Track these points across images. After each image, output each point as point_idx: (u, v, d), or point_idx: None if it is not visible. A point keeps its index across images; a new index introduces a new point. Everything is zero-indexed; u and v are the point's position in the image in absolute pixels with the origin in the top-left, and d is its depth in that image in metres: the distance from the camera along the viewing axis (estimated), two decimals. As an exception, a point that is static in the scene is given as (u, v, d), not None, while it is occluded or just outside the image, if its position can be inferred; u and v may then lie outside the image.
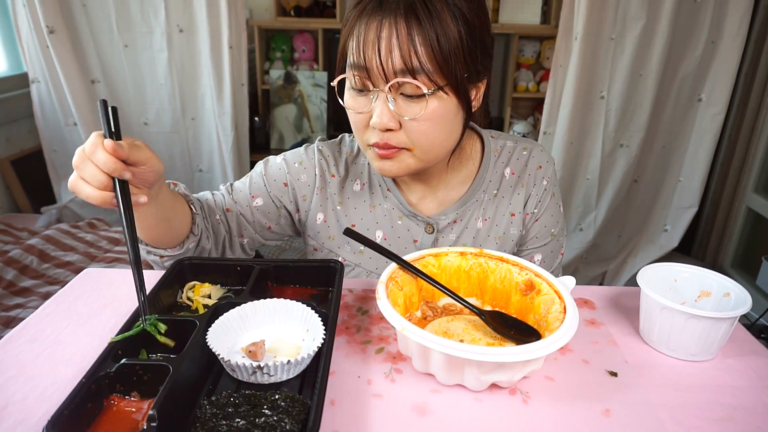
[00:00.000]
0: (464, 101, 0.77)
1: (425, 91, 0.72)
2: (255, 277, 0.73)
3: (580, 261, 2.61)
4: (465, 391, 0.61)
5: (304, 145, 0.98)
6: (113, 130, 0.64)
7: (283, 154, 0.97)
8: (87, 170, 0.62)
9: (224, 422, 0.51)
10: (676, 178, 2.47)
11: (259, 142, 2.89)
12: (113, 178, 0.63)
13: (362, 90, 0.76)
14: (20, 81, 2.44)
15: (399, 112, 0.75)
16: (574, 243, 2.58)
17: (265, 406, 0.52)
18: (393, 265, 0.71)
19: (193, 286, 0.75)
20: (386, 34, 0.71)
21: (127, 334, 0.60)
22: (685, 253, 2.71)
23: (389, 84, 0.73)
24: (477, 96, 0.81)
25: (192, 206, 0.85)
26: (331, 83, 0.80)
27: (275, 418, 0.51)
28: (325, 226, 0.95)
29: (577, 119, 2.33)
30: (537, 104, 2.95)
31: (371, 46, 0.72)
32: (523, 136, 2.85)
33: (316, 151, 0.95)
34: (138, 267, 0.63)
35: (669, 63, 2.25)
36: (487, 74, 0.81)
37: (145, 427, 0.47)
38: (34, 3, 2.19)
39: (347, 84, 0.79)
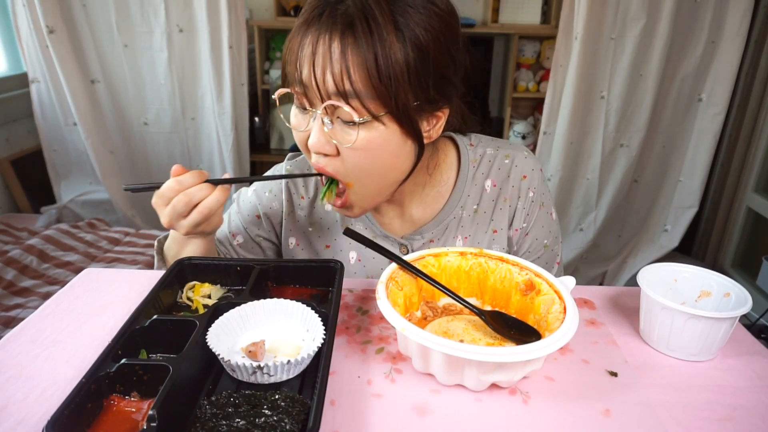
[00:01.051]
0: (411, 132, 0.69)
1: (356, 119, 0.65)
2: (255, 277, 0.73)
3: (580, 261, 2.61)
4: (465, 391, 0.61)
5: (273, 168, 0.95)
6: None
7: (254, 184, 0.95)
8: (196, 194, 0.72)
9: (224, 422, 0.51)
10: (676, 178, 2.47)
11: (259, 142, 2.89)
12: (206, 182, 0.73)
13: (304, 108, 0.71)
14: (20, 81, 2.44)
15: (334, 137, 0.69)
16: (574, 243, 2.58)
17: (265, 406, 0.52)
18: (393, 265, 0.71)
19: (193, 286, 0.75)
20: (321, 50, 0.64)
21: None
22: (686, 253, 2.71)
23: (323, 105, 0.67)
24: (437, 125, 0.74)
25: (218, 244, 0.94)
26: (273, 96, 0.74)
27: (275, 418, 0.51)
28: (299, 249, 0.93)
29: (577, 119, 2.33)
30: (537, 104, 2.95)
31: (308, 62, 0.66)
32: (523, 136, 2.87)
33: (284, 173, 0.92)
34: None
35: (669, 63, 2.25)
36: (449, 103, 0.73)
37: (145, 427, 0.47)
38: (33, 3, 2.19)
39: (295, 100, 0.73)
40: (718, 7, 2.15)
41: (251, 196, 0.94)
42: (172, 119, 2.56)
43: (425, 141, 0.74)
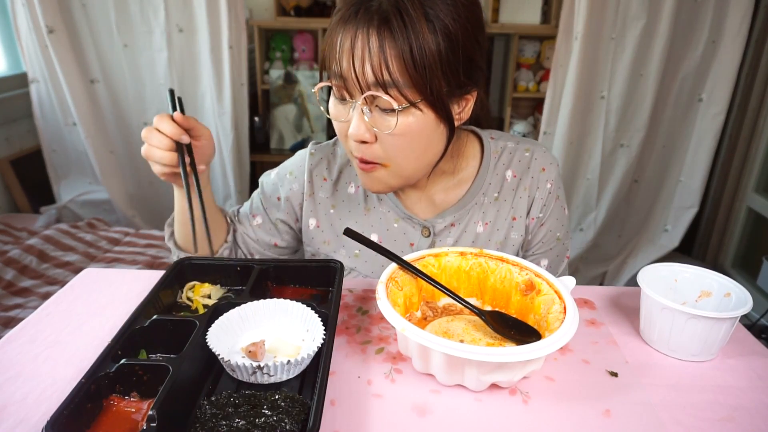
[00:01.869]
0: (444, 116, 0.74)
1: (395, 106, 0.70)
2: (255, 277, 0.73)
3: (580, 261, 2.61)
4: (465, 391, 0.61)
5: (298, 151, 0.98)
6: (179, 111, 0.78)
7: (279, 166, 0.98)
8: (154, 138, 0.75)
9: (224, 422, 0.51)
10: (677, 178, 2.47)
11: (259, 142, 2.89)
12: (178, 146, 0.76)
13: (343, 99, 0.75)
14: (19, 81, 2.44)
15: (374, 125, 0.73)
16: (574, 243, 2.58)
17: (265, 407, 0.52)
18: (393, 266, 0.71)
19: (193, 286, 0.75)
20: (360, 44, 0.69)
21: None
22: (686, 253, 2.71)
23: (363, 96, 0.71)
24: (466, 107, 0.79)
25: (227, 218, 0.95)
26: (313, 89, 0.79)
27: (275, 419, 0.51)
28: (319, 231, 0.95)
29: (577, 119, 2.33)
30: (537, 104, 2.94)
31: (346, 57, 0.70)
32: (524, 136, 2.86)
33: (308, 156, 0.94)
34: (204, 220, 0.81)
35: (669, 63, 2.25)
36: (476, 86, 0.78)
37: (144, 428, 0.47)
38: (33, 3, 2.19)
39: (332, 92, 0.78)
40: (719, 7, 2.14)
41: (274, 178, 0.97)
42: (172, 119, 2.55)
43: (456, 123, 0.78)
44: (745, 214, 2.46)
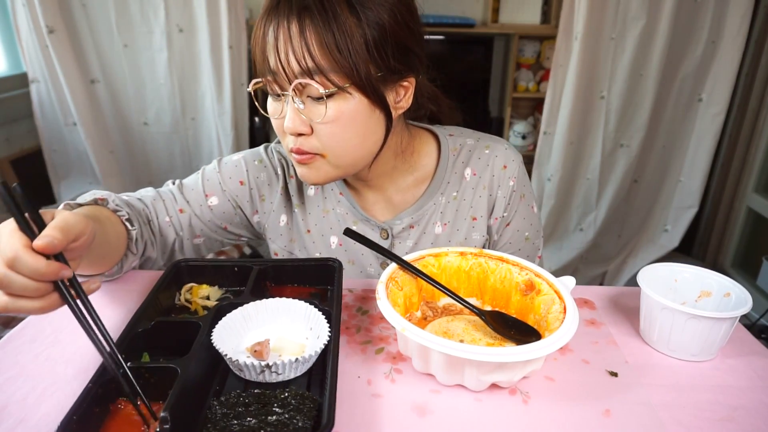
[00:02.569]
0: (377, 101, 0.73)
1: (322, 91, 0.69)
2: (254, 277, 0.73)
3: (580, 261, 2.61)
4: (465, 391, 0.61)
5: (263, 145, 0.95)
6: (28, 215, 0.49)
7: (241, 152, 0.94)
8: (15, 284, 0.48)
9: (235, 422, 0.51)
10: (677, 178, 2.47)
11: (259, 142, 2.86)
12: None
13: (278, 95, 0.74)
14: (20, 81, 2.43)
15: (308, 116, 0.72)
16: (574, 243, 2.58)
17: (275, 405, 0.52)
18: (393, 266, 0.71)
19: (191, 288, 0.75)
20: (282, 36, 0.68)
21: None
22: (686, 253, 2.71)
23: (292, 86, 0.70)
24: (405, 96, 0.77)
25: (127, 223, 0.78)
26: (248, 89, 0.77)
27: (287, 416, 0.51)
28: (288, 229, 0.93)
29: (577, 119, 2.33)
30: (537, 104, 2.95)
31: (272, 51, 0.69)
32: (523, 136, 2.87)
33: (275, 152, 0.93)
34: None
35: (669, 63, 2.25)
36: (413, 73, 0.76)
37: (158, 429, 0.47)
38: (33, 3, 2.18)
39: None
40: (718, 7, 2.14)
41: (238, 160, 0.92)
42: (172, 119, 2.55)
43: (397, 111, 0.77)
44: (745, 214, 2.47)
